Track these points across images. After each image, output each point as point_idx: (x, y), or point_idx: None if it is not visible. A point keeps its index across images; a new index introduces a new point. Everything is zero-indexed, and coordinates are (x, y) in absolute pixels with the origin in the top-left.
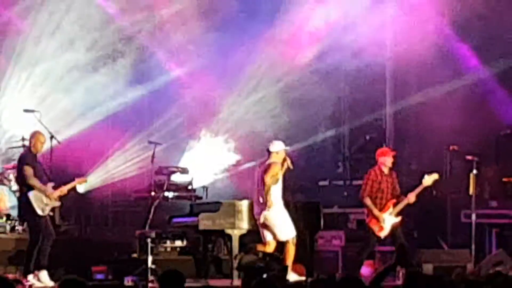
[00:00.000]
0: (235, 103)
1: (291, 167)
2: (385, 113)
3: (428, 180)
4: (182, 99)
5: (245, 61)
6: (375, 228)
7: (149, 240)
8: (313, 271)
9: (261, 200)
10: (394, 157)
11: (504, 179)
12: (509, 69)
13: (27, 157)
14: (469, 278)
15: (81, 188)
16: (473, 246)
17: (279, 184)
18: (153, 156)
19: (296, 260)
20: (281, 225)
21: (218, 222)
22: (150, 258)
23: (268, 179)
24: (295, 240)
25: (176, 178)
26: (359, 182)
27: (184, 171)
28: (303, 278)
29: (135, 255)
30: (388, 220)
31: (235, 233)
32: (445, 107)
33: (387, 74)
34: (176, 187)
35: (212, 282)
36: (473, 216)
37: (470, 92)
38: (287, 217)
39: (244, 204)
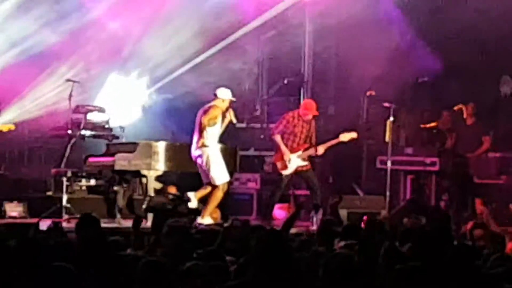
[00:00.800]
0: (154, 44)
1: (234, 120)
2: (304, 57)
3: (345, 137)
4: (100, 37)
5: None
6: (279, 164)
7: (64, 178)
8: (228, 215)
9: (197, 140)
10: (314, 116)
11: (422, 126)
12: (431, 23)
13: None
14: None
15: None
16: (387, 193)
17: (217, 129)
18: (70, 94)
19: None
20: (214, 169)
21: (134, 163)
22: (65, 197)
23: (205, 120)
24: (226, 187)
25: (93, 117)
26: None
27: (101, 110)
28: (218, 222)
29: (50, 193)
30: (294, 161)
31: (151, 174)
32: (365, 54)
33: (307, 19)
34: (93, 126)
35: (125, 222)
36: (389, 163)
37: (391, 40)
38: (221, 161)
39: (160, 146)
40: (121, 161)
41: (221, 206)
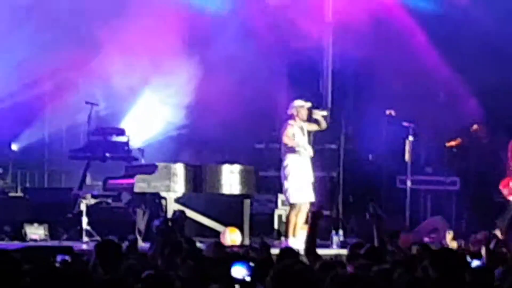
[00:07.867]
0: None
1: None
2: (323, 75)
3: None
4: None
5: None
6: (505, 191)
7: (84, 200)
8: (246, 236)
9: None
10: None
11: (448, 144)
12: (454, 49)
13: None
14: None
15: (15, 146)
16: (407, 212)
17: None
18: (89, 117)
19: (231, 224)
20: (291, 188)
21: (153, 185)
22: (85, 219)
23: (283, 137)
24: (302, 208)
25: (113, 138)
26: None
27: (120, 132)
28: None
29: (70, 215)
30: None
31: (170, 196)
32: (384, 72)
33: (325, 39)
34: (112, 148)
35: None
36: (408, 182)
37: (412, 59)
38: (301, 181)
39: (179, 167)
40: (140, 183)
41: (240, 226)
